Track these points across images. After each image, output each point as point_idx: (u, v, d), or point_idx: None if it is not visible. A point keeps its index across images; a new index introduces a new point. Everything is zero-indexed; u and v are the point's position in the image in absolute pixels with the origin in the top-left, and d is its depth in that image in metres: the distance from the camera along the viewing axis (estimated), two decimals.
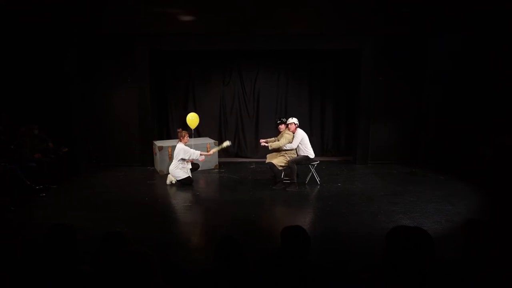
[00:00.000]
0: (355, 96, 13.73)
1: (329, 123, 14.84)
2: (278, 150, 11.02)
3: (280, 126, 11.12)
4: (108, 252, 3.91)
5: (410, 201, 9.62)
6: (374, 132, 13.45)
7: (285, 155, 10.89)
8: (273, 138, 11.43)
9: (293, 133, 10.90)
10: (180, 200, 10.24)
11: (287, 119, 11.12)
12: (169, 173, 11.38)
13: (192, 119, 12.07)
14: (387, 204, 9.39)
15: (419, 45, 12.88)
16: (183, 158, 11.03)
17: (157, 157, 12.50)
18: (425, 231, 3.34)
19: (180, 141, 11.14)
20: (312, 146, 10.99)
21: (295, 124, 10.91)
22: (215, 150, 11.78)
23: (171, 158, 11.69)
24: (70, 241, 3.84)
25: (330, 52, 13.78)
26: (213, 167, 12.87)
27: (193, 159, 11.21)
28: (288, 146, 10.81)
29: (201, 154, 11.20)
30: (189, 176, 11.15)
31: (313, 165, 11.18)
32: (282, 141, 10.82)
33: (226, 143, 11.39)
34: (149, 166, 13.14)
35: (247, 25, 11.59)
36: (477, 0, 8.84)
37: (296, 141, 10.80)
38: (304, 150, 10.82)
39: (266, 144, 11.02)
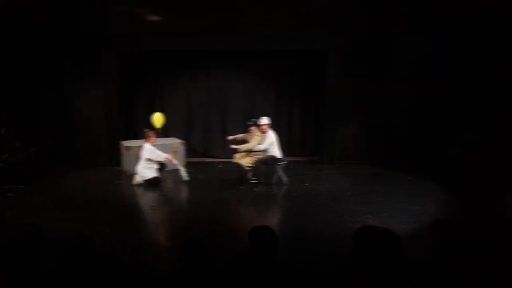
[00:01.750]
0: (322, 95, 13.73)
1: (296, 123, 14.84)
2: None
3: (250, 128, 11.07)
4: (75, 254, 3.86)
5: (377, 201, 9.68)
6: (341, 132, 13.49)
7: (252, 155, 10.84)
8: (240, 135, 11.40)
9: (264, 133, 10.85)
10: (147, 200, 10.19)
11: (257, 120, 11.02)
12: (136, 173, 11.29)
13: (158, 118, 12.10)
14: (354, 204, 9.43)
15: (387, 46, 12.96)
16: (149, 158, 10.97)
17: (125, 157, 12.41)
18: (392, 231, 3.34)
19: (147, 141, 11.06)
20: (281, 146, 10.96)
21: (267, 124, 10.80)
22: (178, 164, 11.69)
23: (138, 158, 11.59)
24: (37, 241, 3.80)
25: (298, 51, 13.78)
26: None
27: (159, 161, 11.16)
28: (257, 148, 10.78)
29: (167, 158, 11.18)
30: (157, 176, 11.06)
31: (280, 165, 11.16)
32: (252, 143, 10.76)
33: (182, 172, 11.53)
34: (116, 166, 12.93)
35: (214, 25, 11.53)
36: (443, 2, 8.95)
37: (267, 142, 10.69)
38: (272, 151, 10.79)
39: (236, 147, 10.93)
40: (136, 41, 12.72)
